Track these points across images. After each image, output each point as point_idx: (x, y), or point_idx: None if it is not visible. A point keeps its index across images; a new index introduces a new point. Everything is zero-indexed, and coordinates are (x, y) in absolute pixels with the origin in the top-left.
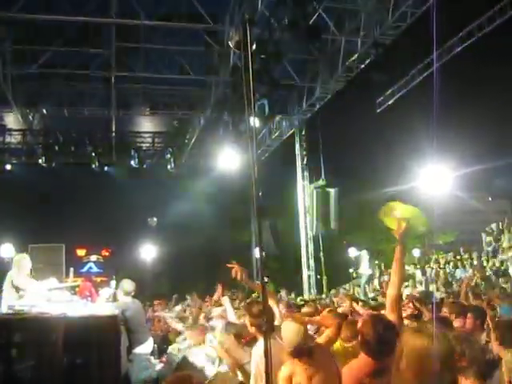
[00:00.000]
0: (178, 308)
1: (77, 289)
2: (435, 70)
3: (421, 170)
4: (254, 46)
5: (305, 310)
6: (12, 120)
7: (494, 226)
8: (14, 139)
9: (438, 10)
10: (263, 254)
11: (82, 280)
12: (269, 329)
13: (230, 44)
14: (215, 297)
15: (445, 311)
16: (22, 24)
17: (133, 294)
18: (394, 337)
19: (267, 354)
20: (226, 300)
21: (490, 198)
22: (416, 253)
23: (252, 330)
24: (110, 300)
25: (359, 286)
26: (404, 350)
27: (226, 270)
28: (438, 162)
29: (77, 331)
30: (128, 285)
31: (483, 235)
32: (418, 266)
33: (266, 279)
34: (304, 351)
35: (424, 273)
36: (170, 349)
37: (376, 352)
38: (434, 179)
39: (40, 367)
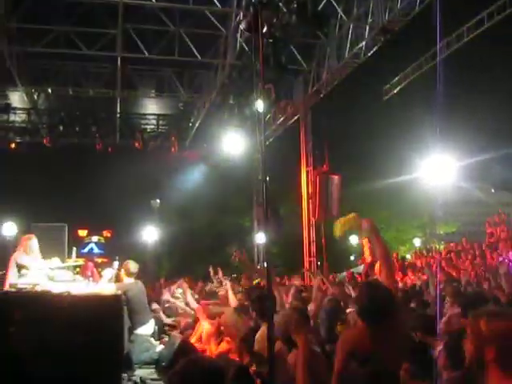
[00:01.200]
0: (180, 291)
1: (78, 269)
2: (439, 60)
3: (424, 159)
4: (265, 29)
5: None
6: (17, 99)
7: (495, 217)
8: (18, 118)
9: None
10: (264, 239)
11: (83, 260)
12: (271, 313)
13: (241, 26)
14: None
15: (448, 300)
16: (28, 2)
17: (136, 275)
18: (389, 299)
19: (270, 339)
20: (227, 285)
21: (492, 190)
22: (417, 242)
23: (253, 314)
24: (112, 280)
25: (360, 273)
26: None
27: (227, 253)
28: (442, 151)
29: (80, 310)
30: (132, 266)
31: (487, 226)
32: (419, 255)
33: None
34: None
35: (425, 262)
36: None
37: (372, 316)
38: (437, 169)
39: (42, 345)
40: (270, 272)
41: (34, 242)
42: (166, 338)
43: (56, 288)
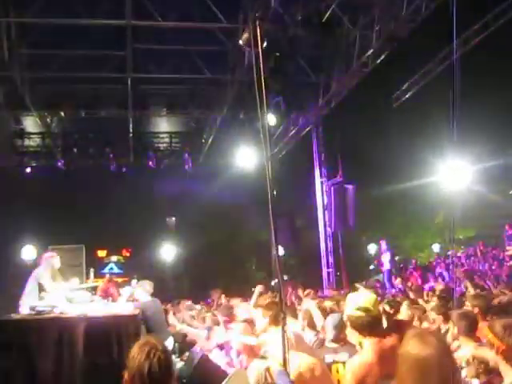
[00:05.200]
0: (198, 307)
1: (98, 289)
2: (454, 61)
3: (440, 164)
4: (264, 44)
5: None
6: (31, 123)
7: None
8: (32, 142)
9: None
10: (281, 251)
11: (102, 281)
12: (284, 323)
13: (241, 42)
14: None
15: (467, 304)
16: (38, 27)
17: (151, 293)
18: None
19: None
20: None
21: (510, 192)
22: (436, 248)
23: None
24: (130, 299)
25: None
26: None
27: (246, 268)
28: (458, 156)
29: (97, 331)
30: (147, 285)
31: (507, 227)
32: (439, 261)
33: (285, 277)
34: None
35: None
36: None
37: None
38: (453, 173)
39: (60, 367)
40: (282, 287)
41: (56, 260)
42: (187, 354)
43: (74, 310)
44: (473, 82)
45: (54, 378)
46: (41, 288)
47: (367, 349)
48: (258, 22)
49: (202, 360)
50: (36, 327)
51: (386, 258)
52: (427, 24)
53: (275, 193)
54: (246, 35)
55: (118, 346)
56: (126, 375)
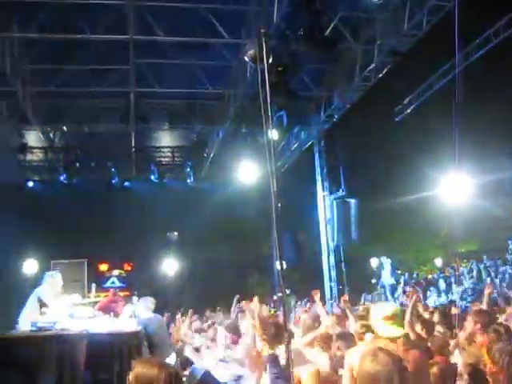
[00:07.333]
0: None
1: (98, 303)
2: (457, 75)
3: (442, 177)
4: (270, 59)
5: None
6: (33, 138)
7: None
8: (35, 157)
9: (455, 16)
10: (284, 265)
11: (105, 296)
12: (289, 339)
13: (246, 58)
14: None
15: (469, 320)
16: (41, 42)
17: (153, 309)
18: None
19: (289, 364)
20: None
21: None
22: (438, 262)
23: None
24: (132, 316)
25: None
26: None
27: (248, 282)
28: (460, 169)
29: (99, 347)
30: (149, 301)
31: (509, 242)
32: (441, 275)
33: (287, 291)
34: None
35: (448, 282)
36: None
37: None
38: (455, 187)
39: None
40: (285, 299)
41: (58, 278)
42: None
43: (76, 325)
44: (477, 95)
45: None
46: (42, 304)
47: None
48: (264, 38)
49: (204, 377)
50: (37, 343)
51: (386, 273)
52: (429, 38)
53: (280, 205)
54: (251, 51)
55: (120, 362)
56: None
